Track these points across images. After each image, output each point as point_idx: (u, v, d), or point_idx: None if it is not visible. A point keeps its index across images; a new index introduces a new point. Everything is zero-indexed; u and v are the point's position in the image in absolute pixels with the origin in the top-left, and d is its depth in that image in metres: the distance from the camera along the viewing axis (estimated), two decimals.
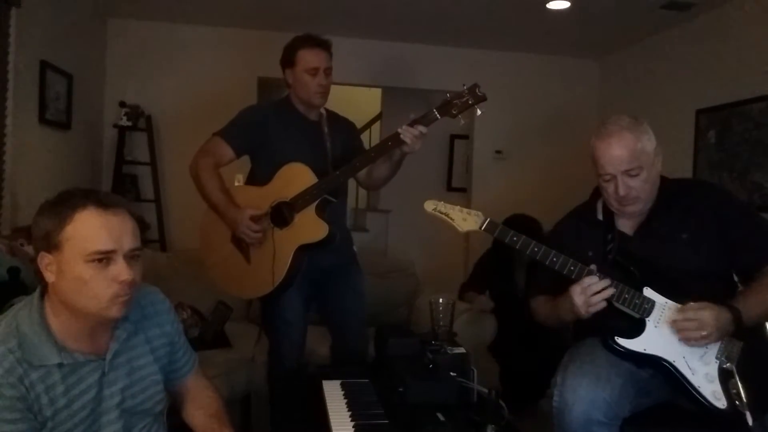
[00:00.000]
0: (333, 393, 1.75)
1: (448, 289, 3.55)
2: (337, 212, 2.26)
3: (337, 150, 2.28)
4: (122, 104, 3.90)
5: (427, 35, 4.17)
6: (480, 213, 1.76)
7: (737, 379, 1.58)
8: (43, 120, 3.19)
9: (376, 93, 5.68)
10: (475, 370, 1.76)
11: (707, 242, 1.70)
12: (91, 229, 1.14)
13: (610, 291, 1.63)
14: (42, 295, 1.22)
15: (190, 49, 4.10)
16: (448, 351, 1.82)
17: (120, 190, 3.94)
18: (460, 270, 4.73)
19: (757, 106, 3.08)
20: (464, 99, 2.02)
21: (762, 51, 3.07)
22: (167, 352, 1.40)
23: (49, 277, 1.17)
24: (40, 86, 3.14)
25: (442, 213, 1.78)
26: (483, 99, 2.02)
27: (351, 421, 1.56)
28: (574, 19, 3.62)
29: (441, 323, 1.96)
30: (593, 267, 1.66)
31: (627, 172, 1.67)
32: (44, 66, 3.15)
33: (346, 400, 1.69)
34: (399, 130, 2.05)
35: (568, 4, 3.41)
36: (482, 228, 1.74)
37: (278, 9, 3.67)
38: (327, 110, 2.35)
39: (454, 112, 2.03)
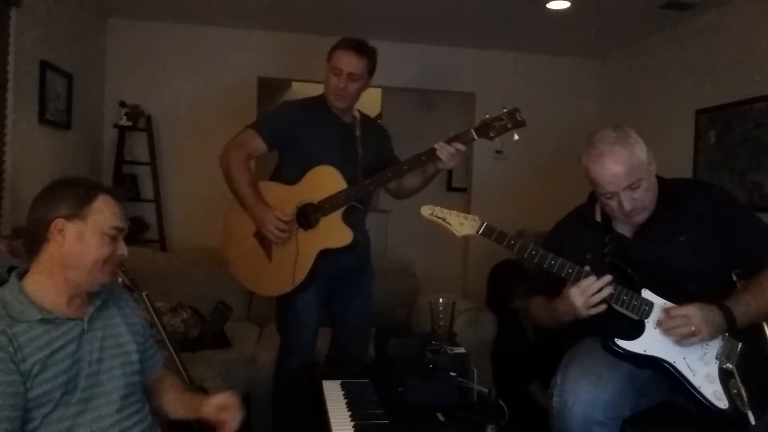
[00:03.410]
0: (333, 393, 1.75)
1: (448, 289, 3.55)
2: (359, 217, 2.25)
3: (368, 156, 2.26)
4: (122, 104, 3.90)
5: (427, 35, 4.16)
6: (477, 217, 1.74)
7: (738, 379, 1.58)
8: (43, 120, 3.18)
9: (376, 93, 5.68)
10: (475, 370, 1.77)
11: (706, 243, 1.69)
12: (111, 209, 1.37)
13: (609, 290, 1.62)
14: (19, 277, 1.34)
15: (190, 49, 4.09)
16: (448, 351, 1.82)
17: (120, 189, 3.94)
18: (460, 270, 4.73)
19: (757, 106, 3.08)
20: (503, 123, 2.03)
21: (762, 51, 3.07)
22: (141, 333, 1.51)
23: (59, 240, 1.31)
24: (40, 86, 3.13)
25: (438, 218, 1.77)
26: (522, 124, 2.03)
27: (351, 421, 1.56)
28: (574, 19, 3.62)
29: (441, 323, 1.96)
30: (587, 269, 1.65)
31: (629, 187, 1.65)
32: (44, 66, 3.15)
33: (346, 400, 1.69)
34: (435, 146, 2.05)
35: (568, 4, 3.41)
36: (479, 232, 1.73)
37: (278, 9, 3.67)
38: (361, 113, 2.33)
39: (492, 135, 2.04)
